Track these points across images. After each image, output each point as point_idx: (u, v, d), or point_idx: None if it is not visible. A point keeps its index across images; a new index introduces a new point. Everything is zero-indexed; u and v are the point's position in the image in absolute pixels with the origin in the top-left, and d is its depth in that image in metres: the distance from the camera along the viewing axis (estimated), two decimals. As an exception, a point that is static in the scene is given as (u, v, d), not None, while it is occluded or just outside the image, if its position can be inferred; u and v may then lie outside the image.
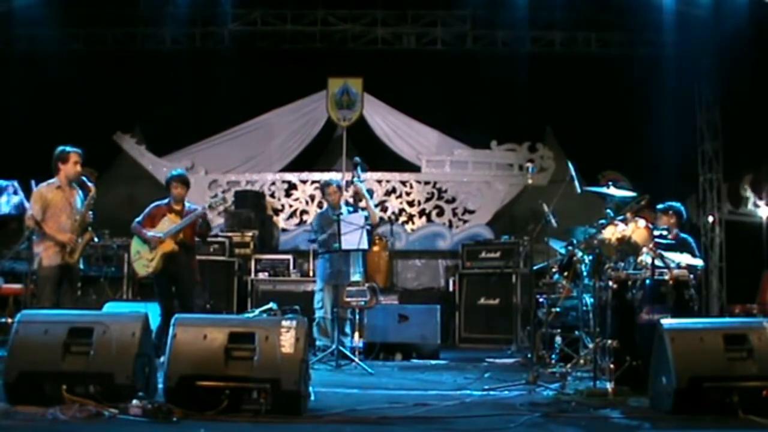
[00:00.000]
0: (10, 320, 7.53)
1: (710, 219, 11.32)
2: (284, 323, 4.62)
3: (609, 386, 5.47)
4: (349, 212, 7.62)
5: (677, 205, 7.03)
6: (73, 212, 6.52)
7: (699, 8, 9.97)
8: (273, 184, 11.86)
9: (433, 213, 11.80)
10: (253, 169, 11.89)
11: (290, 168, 11.87)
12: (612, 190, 6.39)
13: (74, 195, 6.61)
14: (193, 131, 11.77)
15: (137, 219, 7.36)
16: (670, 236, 6.58)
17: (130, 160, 11.82)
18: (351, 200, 8.16)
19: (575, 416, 4.76)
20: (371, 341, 7.94)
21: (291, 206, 11.82)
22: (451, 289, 10.61)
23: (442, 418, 4.67)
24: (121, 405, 4.36)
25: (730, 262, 11.11)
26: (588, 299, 6.92)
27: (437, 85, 11.42)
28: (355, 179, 7.83)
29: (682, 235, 6.87)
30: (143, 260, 7.20)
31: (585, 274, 6.85)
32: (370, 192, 9.19)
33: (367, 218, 7.41)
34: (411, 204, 11.82)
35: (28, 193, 8.96)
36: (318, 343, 7.81)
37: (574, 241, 7.18)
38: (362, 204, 7.84)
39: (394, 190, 11.83)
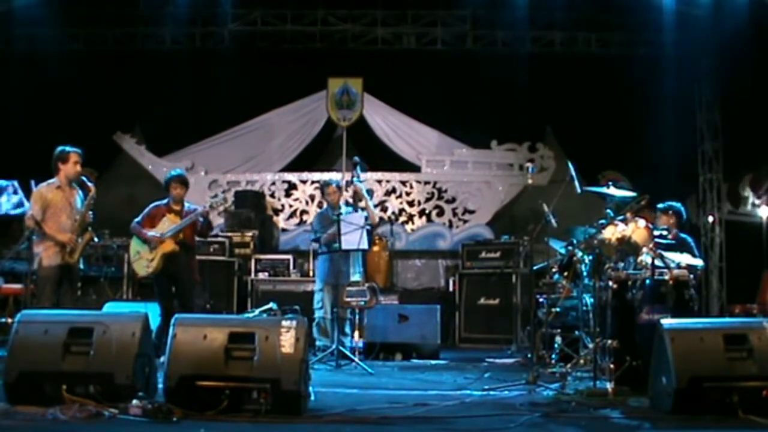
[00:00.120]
0: (10, 320, 7.53)
1: (710, 219, 11.32)
2: (284, 323, 4.62)
3: (609, 386, 5.47)
4: (349, 212, 7.62)
5: (677, 205, 7.03)
6: (73, 212, 6.52)
7: (699, 8, 9.97)
8: (273, 184, 11.86)
9: (433, 213, 11.80)
10: (253, 169, 11.89)
11: (290, 168, 11.87)
12: (612, 190, 6.39)
13: (74, 195, 6.61)
14: (193, 131, 11.77)
15: (136, 219, 7.36)
16: (669, 236, 6.57)
17: (130, 160, 11.82)
18: (351, 200, 8.15)
19: (575, 416, 4.76)
20: (371, 341, 7.94)
21: (291, 206, 11.82)
22: (451, 289, 10.61)
23: (442, 418, 4.67)
24: (121, 405, 4.36)
25: (730, 262, 11.11)
26: (588, 299, 6.92)
27: (437, 85, 11.42)
28: (355, 179, 7.82)
29: (682, 235, 6.87)
30: (143, 260, 7.19)
31: (585, 274, 6.85)
32: (370, 192, 9.19)
33: (367, 218, 7.41)
34: (411, 204, 11.82)
35: (28, 193, 8.98)
36: (318, 343, 7.80)
37: (574, 241, 7.17)
38: (362, 204, 7.85)
39: (394, 190, 11.82)
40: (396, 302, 9.64)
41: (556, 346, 7.37)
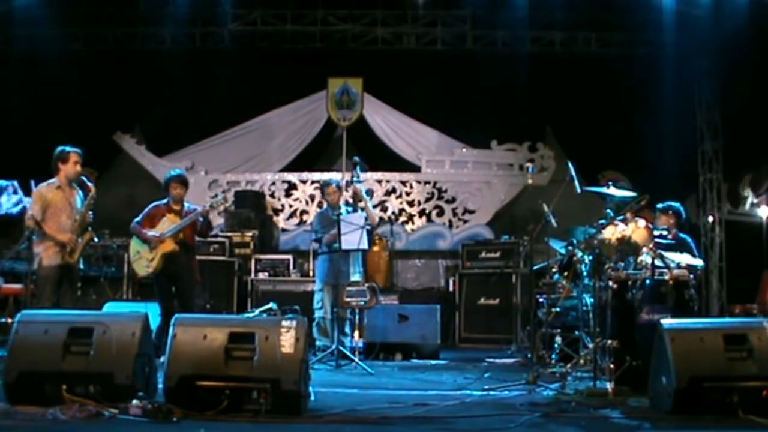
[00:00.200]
0: (10, 320, 7.53)
1: (710, 219, 11.32)
2: (284, 323, 4.62)
3: (609, 386, 5.47)
4: (349, 212, 7.61)
5: (677, 205, 7.03)
6: (73, 212, 6.52)
7: (699, 8, 9.97)
8: (273, 184, 11.86)
9: (433, 213, 11.80)
10: (253, 169, 11.89)
11: (290, 168, 11.87)
12: (612, 190, 6.40)
13: (74, 195, 6.61)
14: (193, 131, 11.77)
15: (136, 219, 7.36)
16: (669, 236, 6.58)
17: (130, 160, 11.82)
18: (350, 200, 8.15)
19: (575, 416, 4.76)
20: (371, 341, 7.94)
21: (291, 206, 11.82)
22: (451, 289, 10.61)
23: (442, 418, 4.67)
24: (121, 405, 4.36)
25: (730, 262, 11.11)
26: (588, 299, 6.92)
27: (437, 85, 11.43)
28: (354, 179, 7.82)
29: (682, 235, 6.86)
30: (143, 260, 7.20)
31: (585, 274, 6.85)
32: (369, 192, 9.19)
33: (366, 218, 7.41)
34: (411, 204, 11.82)
35: (28, 193, 8.98)
36: (318, 343, 7.80)
37: (574, 241, 7.17)
38: (361, 204, 7.85)
39: (394, 190, 11.82)
40: (396, 302, 9.64)
41: (556, 346, 7.37)
